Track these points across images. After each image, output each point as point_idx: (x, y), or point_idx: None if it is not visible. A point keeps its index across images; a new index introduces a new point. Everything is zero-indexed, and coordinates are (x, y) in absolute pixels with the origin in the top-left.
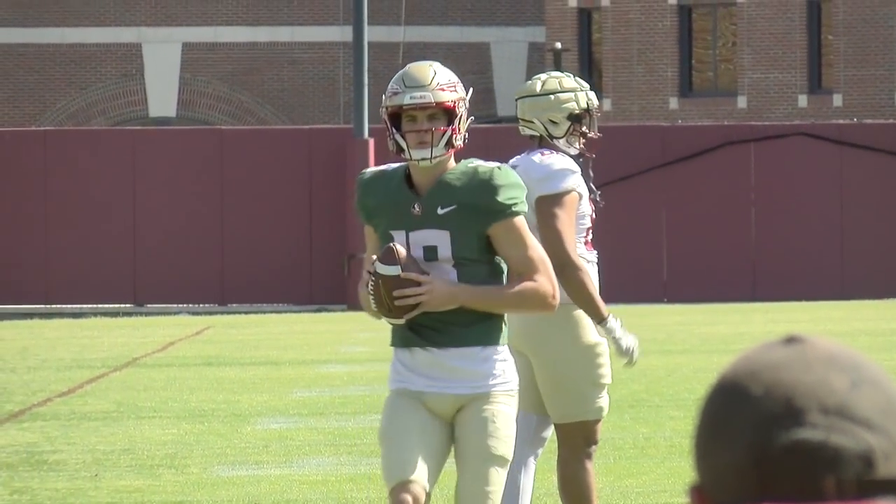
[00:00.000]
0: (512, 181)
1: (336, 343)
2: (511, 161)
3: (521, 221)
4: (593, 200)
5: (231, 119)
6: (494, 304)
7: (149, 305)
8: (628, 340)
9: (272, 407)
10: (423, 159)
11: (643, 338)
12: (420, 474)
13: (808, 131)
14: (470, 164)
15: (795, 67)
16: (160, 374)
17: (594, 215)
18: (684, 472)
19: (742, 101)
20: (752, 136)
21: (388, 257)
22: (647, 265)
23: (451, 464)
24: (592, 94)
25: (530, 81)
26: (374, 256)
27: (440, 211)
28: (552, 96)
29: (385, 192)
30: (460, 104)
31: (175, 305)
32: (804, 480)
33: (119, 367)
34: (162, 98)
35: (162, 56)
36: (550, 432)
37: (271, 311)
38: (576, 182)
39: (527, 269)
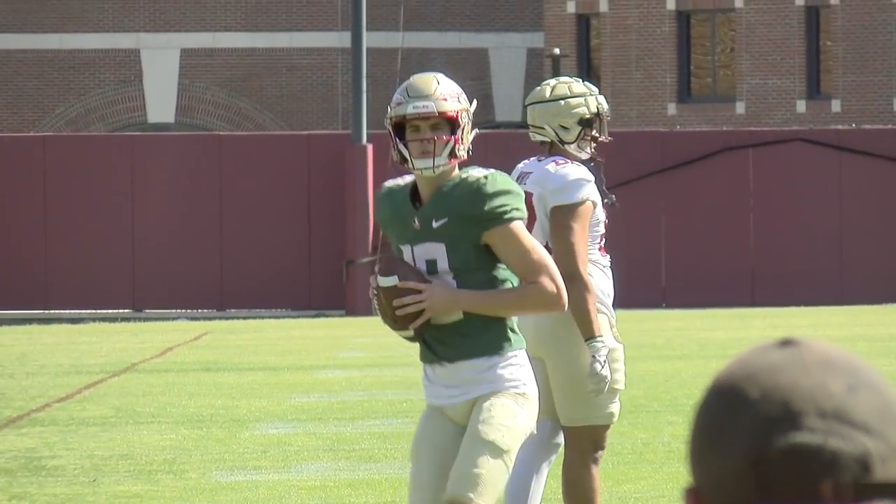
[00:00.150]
0: (501, 188)
1: (335, 348)
2: (522, 166)
3: (516, 227)
4: (607, 205)
5: (230, 125)
6: (497, 308)
7: (147, 311)
8: (605, 369)
9: (271, 412)
10: (426, 169)
11: (642, 343)
12: (433, 499)
13: (807, 137)
14: (463, 175)
15: (794, 73)
16: (159, 379)
17: (608, 220)
18: (682, 477)
19: (741, 107)
20: (751, 142)
21: (386, 269)
22: (645, 270)
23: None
24: (602, 99)
25: (540, 87)
26: (377, 269)
27: (434, 224)
28: (562, 101)
29: (393, 207)
30: (463, 115)
31: (173, 311)
32: (802, 484)
33: (117, 372)
34: (161, 104)
35: (160, 62)
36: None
37: (270, 317)
38: (590, 191)
39: (528, 272)
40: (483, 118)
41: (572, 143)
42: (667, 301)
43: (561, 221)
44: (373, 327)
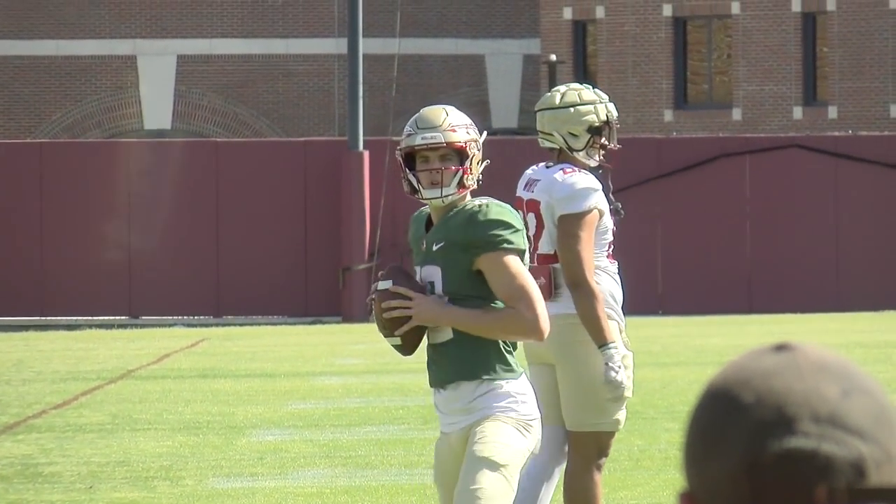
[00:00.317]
0: (496, 217)
1: (331, 355)
2: (531, 172)
3: (504, 255)
4: (614, 212)
5: (226, 131)
6: (477, 327)
7: (144, 318)
8: (620, 375)
9: (267, 419)
10: (435, 198)
11: (638, 350)
12: None
13: (803, 143)
14: (467, 203)
15: (790, 79)
16: (155, 386)
17: (615, 228)
18: (679, 484)
19: (737, 113)
20: (747, 149)
21: (387, 274)
22: (642, 277)
23: None
24: (612, 106)
25: (550, 93)
26: (380, 274)
27: (434, 248)
28: (572, 109)
29: (415, 230)
30: (472, 145)
31: (170, 317)
32: (796, 488)
33: (114, 379)
34: (157, 110)
35: (157, 68)
36: None
37: (266, 323)
38: (597, 200)
39: (508, 298)
40: (479, 124)
41: (581, 150)
42: (663, 308)
43: (568, 230)
44: (369, 334)
